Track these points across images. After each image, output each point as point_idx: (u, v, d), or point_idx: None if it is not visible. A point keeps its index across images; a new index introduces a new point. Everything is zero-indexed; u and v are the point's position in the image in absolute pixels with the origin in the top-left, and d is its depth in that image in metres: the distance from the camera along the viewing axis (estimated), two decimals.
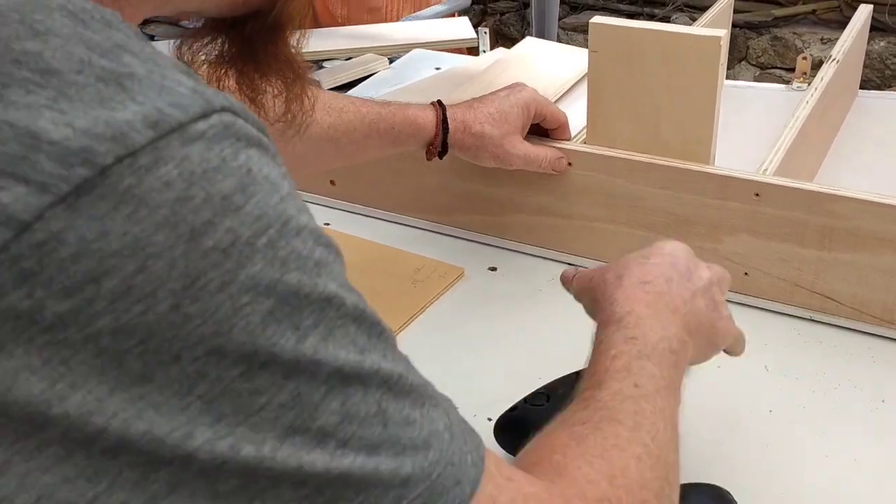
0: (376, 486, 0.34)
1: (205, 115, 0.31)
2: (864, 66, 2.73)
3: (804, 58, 1.30)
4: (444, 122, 0.87)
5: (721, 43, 0.78)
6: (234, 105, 0.32)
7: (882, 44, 2.65)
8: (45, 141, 0.28)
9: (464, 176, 0.97)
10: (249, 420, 0.31)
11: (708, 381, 0.80)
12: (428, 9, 2.83)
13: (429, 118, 0.88)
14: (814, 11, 2.81)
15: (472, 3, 3.30)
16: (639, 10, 2.98)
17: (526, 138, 0.91)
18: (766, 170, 0.84)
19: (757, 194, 0.83)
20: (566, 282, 0.65)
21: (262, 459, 0.32)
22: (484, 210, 0.98)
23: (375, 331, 0.36)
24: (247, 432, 0.31)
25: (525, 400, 0.71)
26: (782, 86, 1.30)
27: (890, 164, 1.08)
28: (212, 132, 0.31)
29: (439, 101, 0.89)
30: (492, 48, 1.66)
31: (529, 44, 1.48)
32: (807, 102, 0.97)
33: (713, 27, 1.18)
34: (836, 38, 3.01)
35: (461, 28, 1.70)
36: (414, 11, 2.85)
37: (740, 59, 2.86)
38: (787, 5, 2.82)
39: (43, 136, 0.28)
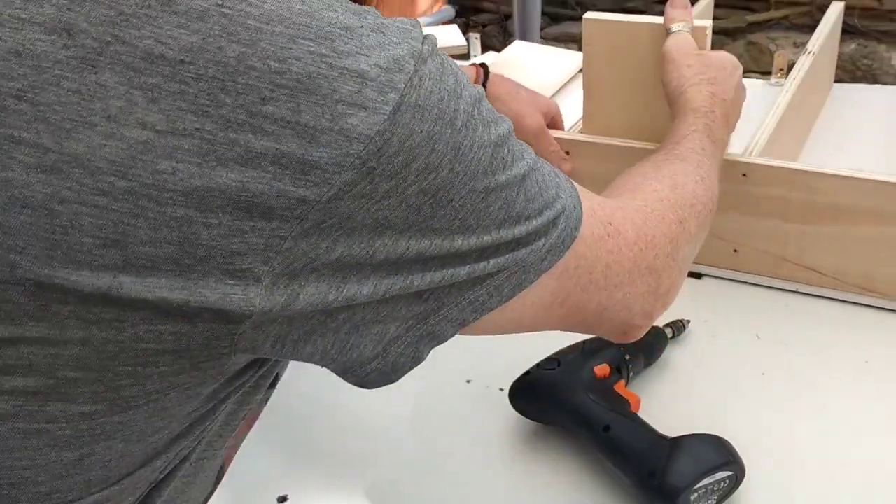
0: (550, 228, 0.50)
1: (424, 40, 0.42)
2: (837, 67, 2.82)
3: (780, 54, 1.37)
4: (485, 76, 0.98)
5: (707, 32, 0.84)
6: (418, 24, 0.44)
7: (853, 46, 2.74)
8: (367, 78, 0.39)
9: None
10: (488, 222, 0.46)
11: (705, 347, 0.86)
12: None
13: (469, 67, 0.99)
14: (786, 17, 2.90)
15: (456, 16, 3.37)
16: None
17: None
18: (751, 152, 0.90)
19: (744, 174, 0.88)
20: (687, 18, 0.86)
21: (506, 238, 0.47)
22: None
23: (512, 134, 0.49)
24: (490, 231, 0.46)
25: (538, 365, 0.76)
26: (762, 81, 1.37)
27: (865, 147, 1.15)
28: (428, 49, 0.42)
29: (483, 63, 1.00)
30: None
31: (518, 47, 1.55)
32: (786, 91, 1.03)
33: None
34: (808, 41, 3.10)
35: (451, 35, 1.77)
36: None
37: None
38: (760, 11, 2.91)
39: (366, 75, 0.39)
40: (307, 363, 0.46)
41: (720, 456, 0.67)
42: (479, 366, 0.85)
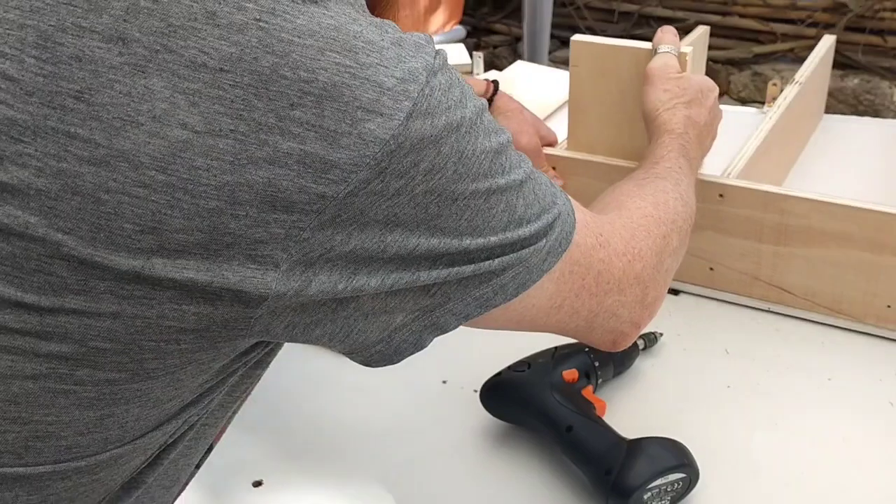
0: (549, 231, 0.54)
1: (436, 55, 0.47)
2: (839, 101, 2.85)
3: (774, 84, 1.41)
4: (495, 90, 1.01)
5: (687, 58, 0.88)
6: (430, 39, 0.48)
7: (855, 80, 2.78)
8: (385, 88, 0.43)
9: None
10: (494, 224, 0.50)
11: (675, 360, 0.89)
12: None
13: (480, 81, 1.03)
14: (792, 49, 2.94)
15: (466, 36, 3.43)
16: None
17: None
18: (729, 173, 0.94)
19: (721, 195, 0.92)
20: (675, 43, 0.90)
21: (511, 239, 0.52)
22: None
23: (510, 145, 0.53)
24: (497, 233, 0.50)
25: (509, 367, 0.79)
26: (755, 109, 1.41)
27: (850, 177, 1.18)
28: (440, 63, 0.47)
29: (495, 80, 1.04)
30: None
31: (519, 67, 1.59)
32: (769, 118, 1.07)
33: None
34: None
35: (457, 54, 1.81)
36: None
37: (722, 93, 2.98)
38: (766, 43, 2.95)
39: (384, 85, 0.43)
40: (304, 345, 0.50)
41: (675, 458, 0.70)
42: (455, 368, 0.89)
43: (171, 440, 0.51)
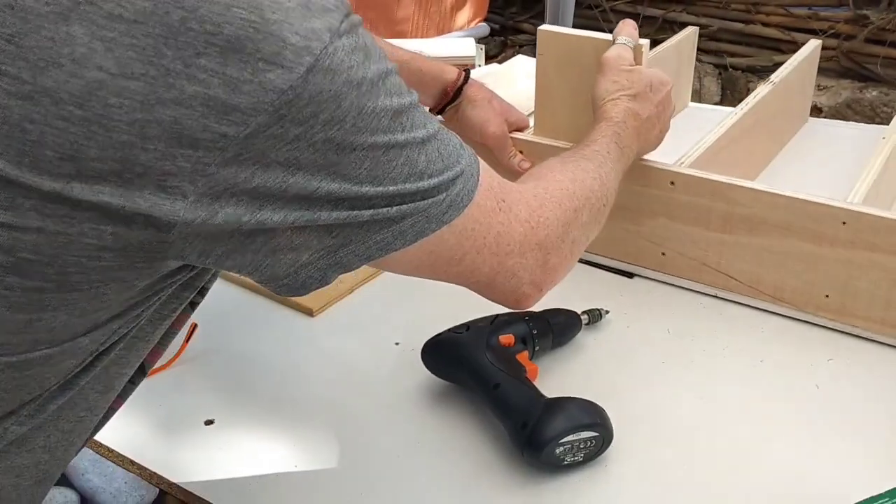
0: (450, 186, 0.60)
1: (345, 17, 0.52)
2: (856, 113, 2.85)
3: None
4: (467, 78, 1.06)
5: (643, 49, 0.93)
6: (348, 7, 0.53)
7: (874, 93, 2.78)
8: (288, 43, 0.49)
9: None
10: (394, 175, 0.56)
11: (617, 336, 0.94)
12: (449, 34, 3.01)
13: (453, 73, 1.06)
14: None
15: (493, 35, 3.48)
16: None
17: None
18: (682, 162, 0.98)
19: (672, 182, 0.96)
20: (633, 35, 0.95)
21: (410, 189, 0.57)
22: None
23: (420, 107, 0.58)
24: (396, 183, 0.56)
25: (450, 329, 0.85)
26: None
27: (824, 177, 1.20)
28: (347, 26, 0.52)
29: (466, 68, 1.08)
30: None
31: (519, 61, 1.64)
32: (734, 114, 1.11)
33: (676, 49, 1.33)
34: (833, 86, 3.12)
35: (464, 46, 1.86)
36: (437, 35, 3.03)
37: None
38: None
39: (287, 41, 0.49)
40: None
41: (589, 417, 0.74)
42: (408, 331, 0.94)
43: (101, 349, 0.57)
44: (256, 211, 0.52)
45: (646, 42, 0.94)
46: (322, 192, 0.53)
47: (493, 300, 0.71)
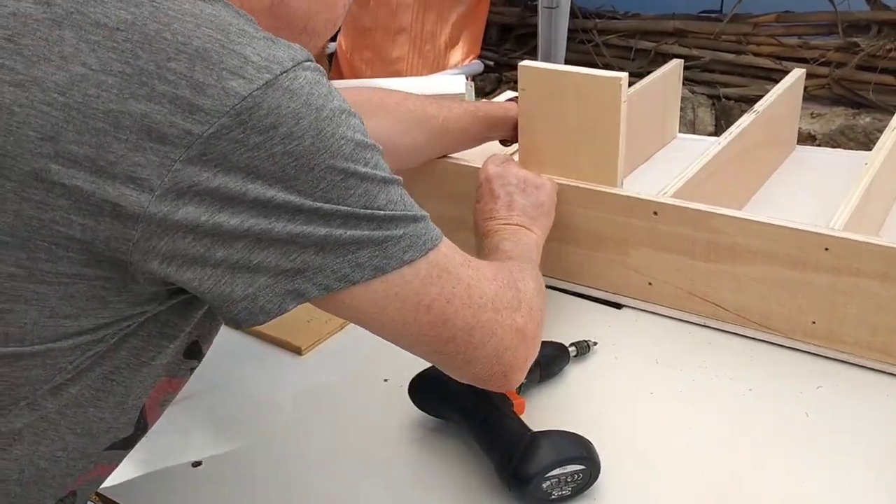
0: (410, 224, 0.62)
1: (309, 59, 0.58)
2: (850, 139, 2.86)
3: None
4: None
5: (621, 83, 0.94)
6: (311, 56, 0.58)
7: (867, 119, 2.79)
8: (250, 60, 0.54)
9: (420, 195, 1.12)
10: (350, 201, 0.58)
11: (605, 367, 0.94)
12: (443, 72, 3.05)
13: (512, 104, 1.09)
14: (805, 88, 2.96)
15: (487, 71, 3.52)
16: None
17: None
18: (665, 192, 0.99)
19: (655, 213, 0.97)
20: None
21: (365, 215, 0.59)
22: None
23: (381, 155, 0.61)
24: (351, 206, 0.58)
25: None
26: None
27: (810, 204, 1.21)
28: (311, 65, 0.57)
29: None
30: None
31: (507, 96, 1.66)
32: (718, 143, 1.12)
33: (661, 81, 1.34)
34: (826, 113, 3.13)
35: (454, 84, 1.88)
36: (431, 73, 3.07)
37: None
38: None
39: (249, 58, 0.54)
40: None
41: (575, 450, 0.74)
42: (396, 367, 0.94)
43: (71, 368, 0.59)
44: (216, 212, 0.55)
45: (624, 75, 0.95)
46: (278, 201, 0.56)
47: (479, 369, 0.70)
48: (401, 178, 0.63)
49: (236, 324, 0.60)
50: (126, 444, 0.68)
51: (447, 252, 0.65)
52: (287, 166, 0.55)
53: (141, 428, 0.69)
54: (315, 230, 0.57)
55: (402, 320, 0.64)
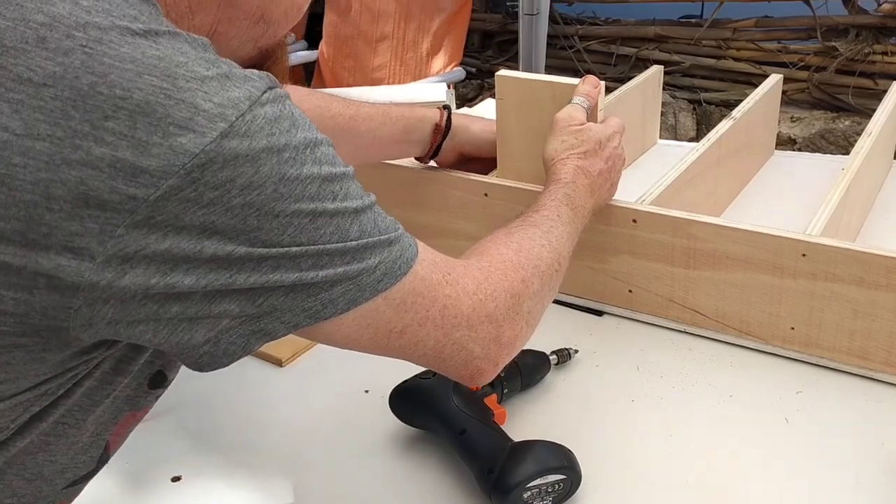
0: (385, 251, 0.59)
1: (269, 88, 0.53)
2: (830, 143, 2.88)
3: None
4: (447, 109, 1.06)
5: (599, 110, 0.94)
6: (274, 81, 0.54)
7: (847, 122, 2.81)
8: (200, 109, 0.49)
9: (394, 203, 1.12)
10: (321, 242, 0.55)
11: (586, 375, 0.94)
12: (425, 79, 3.05)
13: (434, 110, 1.06)
14: (785, 92, 2.98)
15: (469, 78, 3.52)
16: None
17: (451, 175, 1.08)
18: (643, 200, 0.99)
19: (634, 220, 0.97)
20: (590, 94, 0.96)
21: (338, 251, 0.56)
22: (411, 233, 1.13)
23: (355, 180, 0.59)
24: (322, 245, 0.55)
25: (417, 375, 0.85)
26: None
27: (791, 210, 1.21)
28: (271, 96, 0.53)
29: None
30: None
31: (489, 104, 1.66)
32: (696, 150, 1.12)
33: (641, 88, 1.35)
34: (806, 117, 3.15)
35: (435, 91, 1.88)
36: (413, 81, 3.07)
37: None
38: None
39: (199, 107, 0.49)
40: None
41: (555, 460, 0.74)
42: (377, 378, 0.94)
43: (13, 426, 0.55)
44: (167, 273, 0.51)
45: (601, 84, 0.95)
46: (239, 255, 0.52)
47: (446, 375, 0.69)
48: (374, 197, 0.60)
49: (199, 368, 0.56)
50: (89, 478, 0.65)
51: (423, 273, 0.62)
52: (248, 217, 0.51)
53: (104, 461, 0.66)
54: (283, 276, 0.54)
55: (372, 345, 0.63)
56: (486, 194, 1.06)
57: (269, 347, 0.98)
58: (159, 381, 0.64)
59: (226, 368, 0.98)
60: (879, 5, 2.81)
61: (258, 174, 0.51)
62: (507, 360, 0.71)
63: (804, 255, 0.88)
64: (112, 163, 0.48)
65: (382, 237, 0.59)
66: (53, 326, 0.51)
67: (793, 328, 0.93)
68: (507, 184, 1.05)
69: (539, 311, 0.75)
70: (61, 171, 0.47)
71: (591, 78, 0.97)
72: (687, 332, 0.99)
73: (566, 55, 3.39)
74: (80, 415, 0.59)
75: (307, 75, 3.51)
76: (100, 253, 0.49)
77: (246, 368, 0.97)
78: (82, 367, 0.56)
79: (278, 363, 0.98)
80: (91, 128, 0.47)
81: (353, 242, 0.57)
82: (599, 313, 1.04)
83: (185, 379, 0.94)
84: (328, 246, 0.55)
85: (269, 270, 0.54)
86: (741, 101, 1.35)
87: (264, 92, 0.52)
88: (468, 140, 1.08)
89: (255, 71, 0.54)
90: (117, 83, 0.48)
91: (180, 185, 0.49)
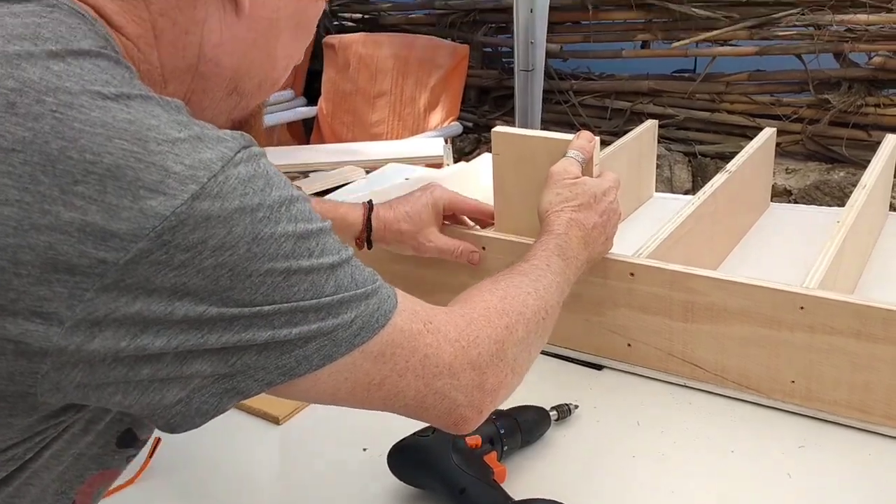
0: (361, 305, 0.59)
1: (243, 148, 0.53)
2: (825, 194, 2.89)
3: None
4: (368, 221, 1.04)
5: (592, 165, 0.95)
6: (248, 140, 0.54)
7: (841, 174, 2.84)
8: (171, 172, 0.50)
9: (393, 258, 1.12)
10: (295, 299, 0.55)
11: (587, 431, 0.93)
12: (423, 134, 3.08)
13: (357, 216, 1.04)
14: (779, 144, 3.01)
15: (466, 132, 3.56)
16: None
17: (451, 225, 1.08)
18: (640, 253, 0.99)
19: (631, 273, 0.97)
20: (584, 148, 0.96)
21: (312, 307, 0.56)
22: (412, 289, 1.12)
23: (332, 235, 0.58)
24: (295, 303, 0.55)
25: (415, 433, 0.84)
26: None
27: (788, 262, 1.22)
28: (244, 156, 0.53)
29: (370, 201, 1.06)
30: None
31: (485, 158, 1.67)
32: (692, 203, 1.13)
33: (636, 142, 1.36)
34: (801, 168, 3.17)
35: (432, 146, 1.91)
36: (411, 136, 3.10)
37: None
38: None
39: (170, 170, 0.50)
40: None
41: None
42: (375, 436, 0.93)
43: None
44: (137, 335, 0.50)
45: (596, 139, 0.96)
46: (211, 315, 0.52)
47: (429, 423, 0.68)
48: (351, 251, 0.60)
49: (170, 429, 0.56)
50: None
51: (403, 324, 0.62)
52: (220, 278, 0.51)
53: None
54: (256, 334, 0.54)
55: (352, 399, 0.62)
56: (483, 248, 1.07)
57: (265, 405, 0.97)
58: (128, 440, 0.63)
59: (221, 426, 0.97)
60: (870, 58, 2.86)
61: (231, 235, 0.51)
62: (493, 408, 0.70)
63: (802, 307, 0.88)
64: (81, 227, 0.48)
65: (359, 290, 0.59)
66: (20, 392, 0.50)
67: (793, 381, 0.92)
68: (505, 237, 1.05)
69: (525, 359, 0.74)
70: (30, 236, 0.48)
71: (585, 133, 0.98)
72: (687, 386, 0.99)
73: (562, 109, 3.43)
74: (45, 474, 0.58)
75: (306, 131, 3.55)
76: (69, 317, 0.48)
77: (242, 426, 0.96)
78: (51, 430, 0.55)
79: (275, 421, 0.97)
80: (60, 192, 0.48)
81: (328, 298, 0.56)
82: (599, 367, 1.04)
83: (179, 437, 0.93)
84: (302, 303, 0.55)
85: (241, 329, 0.53)
86: (736, 152, 1.36)
87: (238, 152, 0.53)
88: (398, 242, 1.05)
89: (230, 131, 0.54)
90: (87, 147, 0.48)
91: (150, 248, 0.49)
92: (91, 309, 0.49)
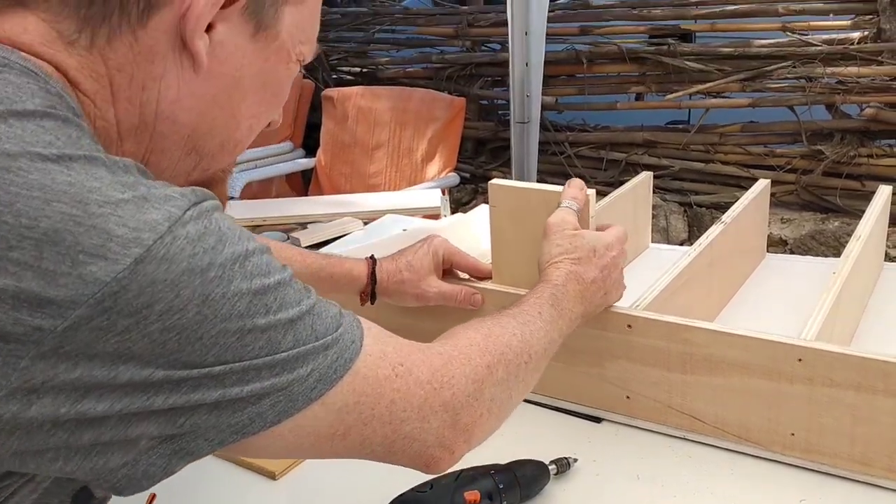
0: (318, 358, 0.57)
1: (193, 205, 0.52)
2: (820, 244, 2.90)
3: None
4: (373, 274, 1.05)
5: (588, 199, 0.96)
6: (201, 195, 0.53)
7: (836, 223, 2.86)
8: (113, 235, 0.48)
9: (395, 311, 1.12)
10: (248, 359, 0.53)
11: (586, 485, 0.92)
12: (420, 185, 3.11)
13: (362, 270, 1.05)
14: (773, 194, 3.03)
15: (464, 183, 3.59)
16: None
17: (447, 279, 1.08)
18: (637, 305, 0.99)
19: (629, 325, 0.97)
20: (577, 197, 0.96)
21: (266, 364, 0.55)
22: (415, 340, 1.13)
23: (293, 284, 0.57)
24: (247, 362, 0.53)
25: (413, 488, 0.83)
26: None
27: (785, 313, 1.22)
28: (194, 213, 0.52)
29: (372, 256, 1.07)
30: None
31: (481, 210, 1.69)
32: (688, 255, 1.13)
33: (632, 193, 1.37)
34: (796, 218, 3.19)
35: (429, 197, 1.92)
36: (409, 187, 3.13)
37: None
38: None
39: (112, 233, 0.48)
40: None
41: None
42: (373, 491, 0.91)
43: None
44: (78, 401, 0.49)
45: (592, 192, 0.97)
46: (157, 378, 0.51)
47: (396, 464, 0.66)
48: (314, 297, 0.58)
49: (116, 492, 0.54)
50: None
51: (367, 371, 0.60)
52: (168, 342, 0.50)
53: None
54: (205, 395, 0.52)
55: (316, 452, 0.61)
56: (483, 300, 1.07)
57: (261, 459, 0.96)
58: (84, 498, 0.60)
59: (217, 481, 0.97)
60: (862, 110, 2.89)
61: (179, 298, 0.50)
62: (468, 448, 0.68)
63: (800, 359, 0.88)
64: (15, 294, 0.46)
65: (318, 342, 0.57)
66: None
67: (793, 434, 0.91)
68: (503, 289, 1.05)
69: (505, 402, 0.73)
70: None
71: (575, 181, 0.99)
72: (686, 439, 0.98)
73: (557, 160, 3.46)
74: None
75: (305, 182, 3.57)
76: (3, 386, 0.47)
77: (237, 481, 0.95)
78: None
79: (271, 476, 0.96)
80: None
81: (284, 354, 0.55)
82: (598, 420, 1.03)
83: (167, 491, 0.92)
84: (256, 361, 0.54)
85: (189, 390, 0.52)
86: (731, 202, 1.37)
87: (187, 210, 0.51)
88: (400, 297, 1.06)
89: (180, 188, 0.53)
90: (23, 212, 0.47)
91: (90, 315, 0.47)
92: (27, 377, 0.47)
